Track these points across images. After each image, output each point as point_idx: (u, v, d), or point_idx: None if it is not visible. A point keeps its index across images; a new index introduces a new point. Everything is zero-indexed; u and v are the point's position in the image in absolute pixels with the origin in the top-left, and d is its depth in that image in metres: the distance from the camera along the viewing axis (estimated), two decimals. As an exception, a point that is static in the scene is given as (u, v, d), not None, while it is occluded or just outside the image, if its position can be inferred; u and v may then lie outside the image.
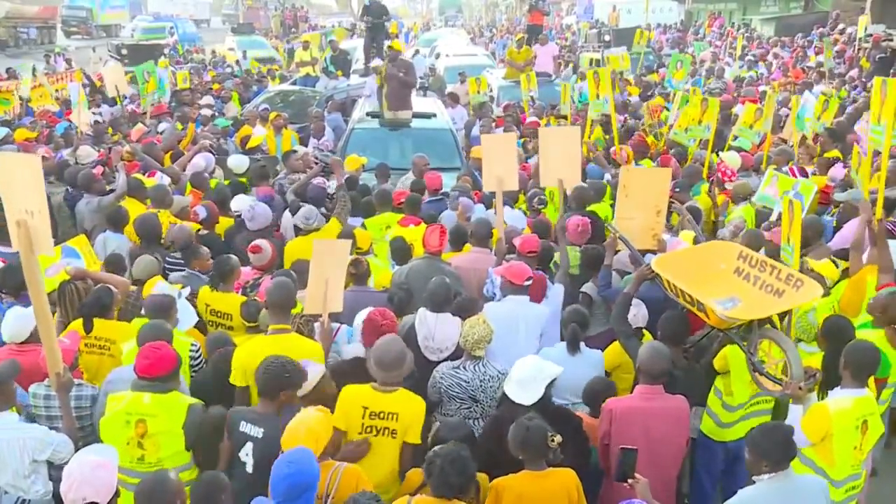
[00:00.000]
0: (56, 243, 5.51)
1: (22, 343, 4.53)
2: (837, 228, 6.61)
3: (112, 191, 7.35)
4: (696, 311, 4.41)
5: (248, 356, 4.24)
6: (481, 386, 4.42)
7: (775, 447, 3.38)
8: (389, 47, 11.52)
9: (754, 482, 3.45)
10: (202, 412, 3.82)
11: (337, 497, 3.37)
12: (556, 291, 5.36)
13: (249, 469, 3.69)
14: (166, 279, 5.56)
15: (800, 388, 3.90)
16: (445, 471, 3.24)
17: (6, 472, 3.74)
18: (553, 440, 3.50)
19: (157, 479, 3.16)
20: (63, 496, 3.11)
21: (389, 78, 10.59)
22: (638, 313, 5.00)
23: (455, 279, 5.37)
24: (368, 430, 3.96)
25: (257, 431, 3.69)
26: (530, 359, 4.10)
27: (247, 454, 3.69)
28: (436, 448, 3.41)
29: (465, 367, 4.47)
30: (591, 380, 4.60)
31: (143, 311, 4.76)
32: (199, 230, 6.61)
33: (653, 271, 4.74)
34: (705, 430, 4.68)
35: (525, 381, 3.93)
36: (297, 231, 6.48)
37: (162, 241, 6.35)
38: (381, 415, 3.94)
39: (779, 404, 4.69)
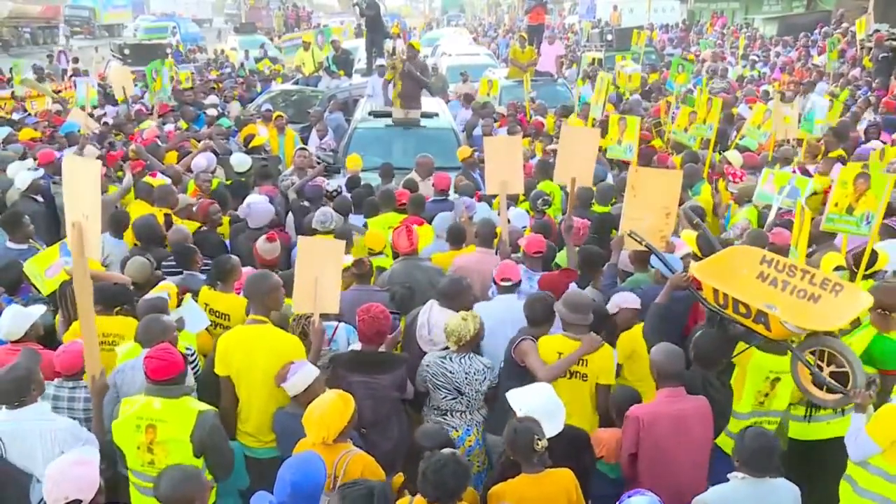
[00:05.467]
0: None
1: (16, 341, 4.51)
2: None
3: None
4: (750, 323, 4.04)
5: (227, 346, 4.30)
6: (466, 378, 4.45)
7: (751, 453, 3.48)
8: (409, 45, 11.35)
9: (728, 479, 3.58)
10: (213, 418, 3.76)
11: (344, 479, 3.55)
12: None
13: None
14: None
15: (870, 396, 3.76)
16: (427, 477, 3.25)
17: (37, 460, 3.66)
18: (538, 444, 3.49)
19: (185, 474, 3.13)
20: (46, 498, 3.06)
21: (405, 76, 10.35)
22: (625, 302, 4.93)
23: (438, 275, 5.46)
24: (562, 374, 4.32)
25: None
26: (546, 390, 3.89)
27: None
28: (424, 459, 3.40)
29: (451, 358, 4.49)
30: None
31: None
32: (200, 227, 6.60)
33: (687, 280, 4.47)
34: (717, 442, 4.45)
35: (548, 414, 3.76)
36: (314, 233, 6.33)
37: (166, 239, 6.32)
38: None
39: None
